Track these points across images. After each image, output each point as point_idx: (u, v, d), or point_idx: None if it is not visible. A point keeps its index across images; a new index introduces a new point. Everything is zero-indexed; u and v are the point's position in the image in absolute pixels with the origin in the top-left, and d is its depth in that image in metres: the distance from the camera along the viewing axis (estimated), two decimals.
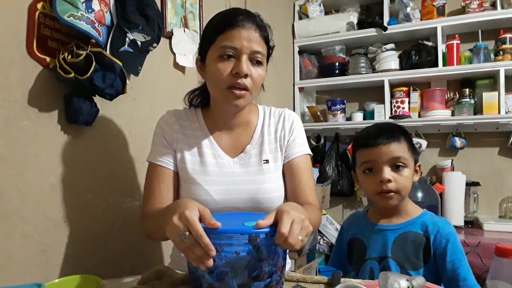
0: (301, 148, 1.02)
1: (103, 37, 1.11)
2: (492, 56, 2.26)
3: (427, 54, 2.36)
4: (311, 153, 1.05)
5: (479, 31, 2.32)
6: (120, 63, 1.10)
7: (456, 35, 2.31)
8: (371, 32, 2.50)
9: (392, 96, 2.50)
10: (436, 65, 2.32)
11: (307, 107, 2.77)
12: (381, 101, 2.50)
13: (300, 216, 0.66)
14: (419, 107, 2.44)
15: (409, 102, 2.44)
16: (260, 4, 2.26)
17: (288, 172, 1.00)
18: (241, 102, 0.90)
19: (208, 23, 0.95)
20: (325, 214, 2.46)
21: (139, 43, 1.22)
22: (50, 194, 1.06)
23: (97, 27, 1.07)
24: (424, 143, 2.45)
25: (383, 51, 2.50)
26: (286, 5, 2.72)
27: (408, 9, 2.41)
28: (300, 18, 2.80)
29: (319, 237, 2.41)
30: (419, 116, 2.42)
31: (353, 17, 2.58)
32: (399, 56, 2.48)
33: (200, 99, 1.06)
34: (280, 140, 1.01)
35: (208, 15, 1.55)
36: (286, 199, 1.02)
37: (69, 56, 1.01)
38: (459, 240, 0.97)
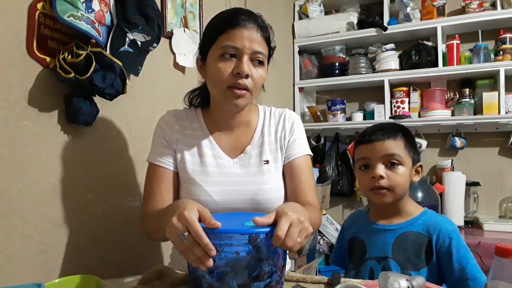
0: (302, 149, 1.01)
1: (103, 37, 1.11)
2: (492, 56, 2.26)
3: (427, 54, 2.36)
4: (311, 153, 1.05)
5: (479, 31, 2.32)
6: (120, 63, 1.10)
7: (456, 35, 2.31)
8: (371, 32, 2.50)
9: (392, 96, 2.50)
10: (436, 65, 2.32)
11: (307, 107, 2.77)
12: (381, 101, 2.50)
13: (299, 218, 0.65)
14: (419, 107, 2.44)
15: (409, 102, 2.44)
16: (260, 4, 2.26)
17: (289, 172, 1.00)
18: (241, 102, 0.90)
19: (209, 22, 0.95)
20: (325, 214, 2.46)
21: (139, 43, 1.22)
22: (50, 194, 1.06)
23: (97, 27, 1.07)
24: (424, 143, 2.45)
25: (383, 51, 2.50)
26: (286, 5, 2.72)
27: (408, 9, 2.41)
28: (300, 18, 2.81)
29: (319, 237, 2.41)
30: (419, 116, 2.42)
31: (353, 17, 2.59)
32: (399, 56, 2.48)
33: (200, 99, 1.06)
34: (280, 141, 1.01)
35: (208, 15, 1.56)
36: (286, 199, 1.02)
37: (69, 56, 1.01)
38: None
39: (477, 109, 2.31)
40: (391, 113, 2.46)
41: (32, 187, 1.01)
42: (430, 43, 2.39)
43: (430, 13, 2.36)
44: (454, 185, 2.23)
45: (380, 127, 1.03)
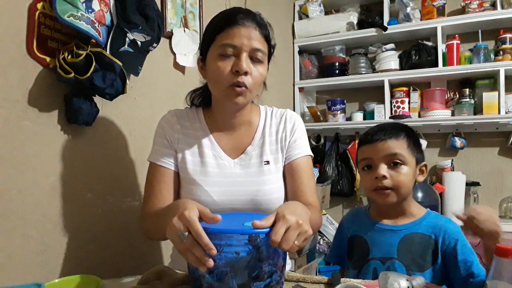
0: (302, 149, 1.01)
1: (103, 37, 1.11)
2: (492, 56, 2.26)
3: (427, 54, 2.36)
4: (312, 154, 1.05)
5: (479, 31, 2.32)
6: (120, 63, 1.10)
7: (456, 35, 2.31)
8: (371, 32, 2.50)
9: (392, 96, 2.50)
10: (436, 65, 2.32)
11: (307, 107, 2.77)
12: (381, 101, 2.50)
13: (297, 221, 0.65)
14: (419, 107, 2.44)
15: (409, 102, 2.44)
16: (260, 4, 2.26)
17: (289, 173, 1.00)
18: (241, 100, 0.89)
19: (209, 23, 0.95)
20: (325, 214, 2.46)
21: (139, 43, 1.22)
22: (50, 194, 1.06)
23: (97, 27, 1.07)
24: (424, 143, 2.45)
25: (383, 51, 2.50)
26: (286, 5, 2.72)
27: (408, 9, 2.41)
28: (300, 18, 2.80)
29: (319, 237, 2.41)
30: (419, 116, 2.42)
31: (353, 17, 2.59)
32: (399, 56, 2.48)
33: (201, 98, 1.06)
34: (281, 142, 1.01)
35: (208, 15, 1.56)
36: (286, 200, 1.01)
37: (69, 56, 1.01)
38: None
39: (477, 109, 2.31)
40: (391, 113, 2.46)
41: (32, 187, 1.01)
42: (430, 43, 2.39)
43: (430, 13, 2.36)
44: (454, 185, 2.23)
45: (382, 127, 1.03)
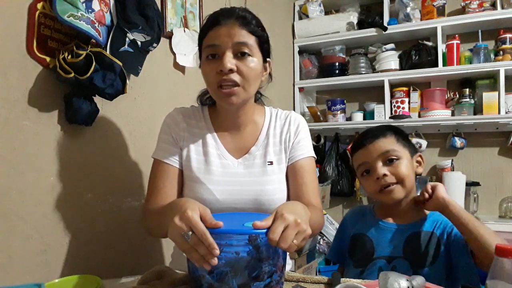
0: (306, 150, 1.01)
1: (103, 37, 1.11)
2: (492, 56, 2.26)
3: (427, 54, 2.36)
4: (315, 156, 1.05)
5: (479, 31, 2.32)
6: (120, 63, 1.10)
7: (456, 35, 2.31)
8: (371, 32, 2.50)
9: (392, 96, 2.50)
10: (436, 65, 2.32)
11: (307, 107, 2.77)
12: (381, 101, 2.50)
13: (296, 220, 0.65)
14: (419, 107, 2.44)
15: (409, 102, 2.44)
16: (260, 4, 2.26)
17: (292, 173, 1.00)
18: (234, 99, 0.89)
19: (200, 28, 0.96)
20: (325, 214, 2.46)
21: (139, 43, 1.22)
22: (50, 194, 1.06)
23: (97, 27, 1.07)
24: (424, 143, 2.45)
25: (383, 51, 2.50)
26: (286, 5, 2.72)
27: (408, 9, 2.41)
28: (300, 18, 2.81)
29: (319, 237, 2.41)
30: (419, 116, 2.42)
31: (353, 17, 2.59)
32: (399, 56, 2.48)
33: (210, 97, 1.05)
34: (285, 143, 1.01)
35: None
36: (288, 201, 1.01)
37: (69, 56, 1.01)
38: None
39: (477, 109, 2.31)
40: (391, 113, 2.46)
41: (32, 187, 1.01)
42: (430, 43, 2.39)
43: (430, 13, 2.36)
44: (454, 185, 2.23)
45: (369, 130, 1.08)
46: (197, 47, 0.98)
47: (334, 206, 2.76)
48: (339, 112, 2.62)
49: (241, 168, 0.98)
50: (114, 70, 1.08)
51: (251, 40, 0.89)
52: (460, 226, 0.90)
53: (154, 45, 1.29)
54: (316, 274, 0.93)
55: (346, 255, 1.10)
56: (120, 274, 0.97)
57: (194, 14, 1.65)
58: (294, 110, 2.68)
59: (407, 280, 0.66)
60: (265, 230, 0.64)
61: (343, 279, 0.82)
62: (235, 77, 0.87)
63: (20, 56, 0.98)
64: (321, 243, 2.40)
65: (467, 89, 2.34)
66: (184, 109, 1.04)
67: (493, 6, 2.24)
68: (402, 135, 1.05)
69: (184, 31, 1.57)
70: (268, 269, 0.66)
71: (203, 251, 0.62)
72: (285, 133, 1.02)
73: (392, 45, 2.51)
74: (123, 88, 1.16)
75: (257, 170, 0.98)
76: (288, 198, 1.01)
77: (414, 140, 2.46)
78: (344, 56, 2.70)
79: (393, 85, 2.52)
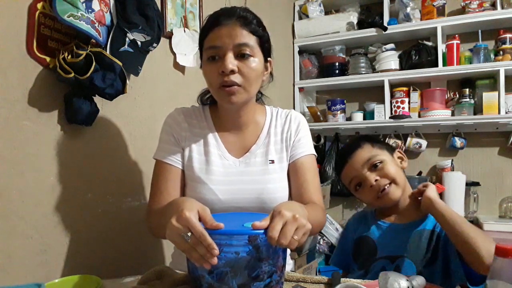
0: (306, 148, 1.02)
1: (103, 37, 1.11)
2: (492, 56, 2.26)
3: (427, 54, 2.36)
4: (316, 154, 1.05)
5: (479, 31, 2.32)
6: (120, 63, 1.10)
7: (456, 35, 2.31)
8: (371, 32, 2.50)
9: (392, 96, 2.50)
10: (436, 65, 2.32)
11: (307, 107, 2.77)
12: (381, 101, 2.50)
13: (294, 215, 0.65)
14: (419, 107, 2.44)
15: (409, 102, 2.44)
16: (260, 4, 2.26)
17: (293, 171, 1.01)
18: (235, 99, 0.89)
19: (200, 29, 0.96)
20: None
21: (139, 43, 1.22)
22: (50, 194, 1.06)
23: (97, 27, 1.07)
24: (424, 143, 2.46)
25: (383, 51, 2.50)
26: (286, 5, 2.72)
27: (408, 9, 2.41)
28: (300, 18, 2.80)
29: (319, 237, 2.41)
30: (419, 116, 2.42)
31: (353, 17, 2.59)
32: (399, 56, 2.48)
33: (211, 96, 1.05)
34: (286, 141, 1.01)
35: None
36: (290, 199, 1.02)
37: (69, 56, 1.01)
38: None
39: (477, 109, 2.31)
40: (391, 113, 2.46)
41: (32, 187, 1.01)
42: (430, 43, 2.39)
43: (430, 13, 2.36)
44: (454, 185, 2.23)
45: (344, 148, 1.14)
46: (198, 47, 0.98)
47: (334, 206, 2.76)
48: (339, 112, 2.62)
49: (242, 167, 0.98)
50: (114, 70, 1.08)
51: (252, 40, 0.89)
52: (445, 226, 0.91)
53: (154, 45, 1.29)
54: (316, 274, 0.93)
55: (350, 259, 1.10)
56: (120, 274, 0.97)
57: (194, 14, 1.65)
58: (294, 110, 2.68)
59: (407, 280, 0.66)
60: (263, 230, 0.64)
61: (343, 279, 0.82)
62: (237, 78, 0.87)
63: (20, 56, 0.98)
64: (321, 243, 2.41)
65: (467, 89, 2.34)
66: (185, 109, 1.04)
67: (493, 6, 2.24)
68: (375, 140, 1.10)
69: (184, 31, 1.57)
70: (268, 269, 0.66)
71: (202, 251, 0.62)
72: (286, 132, 1.02)
73: (392, 45, 2.51)
74: (123, 88, 1.16)
75: (258, 168, 0.98)
76: (290, 196, 1.01)
77: (414, 140, 2.47)
78: (344, 56, 2.70)
79: (393, 85, 2.52)
